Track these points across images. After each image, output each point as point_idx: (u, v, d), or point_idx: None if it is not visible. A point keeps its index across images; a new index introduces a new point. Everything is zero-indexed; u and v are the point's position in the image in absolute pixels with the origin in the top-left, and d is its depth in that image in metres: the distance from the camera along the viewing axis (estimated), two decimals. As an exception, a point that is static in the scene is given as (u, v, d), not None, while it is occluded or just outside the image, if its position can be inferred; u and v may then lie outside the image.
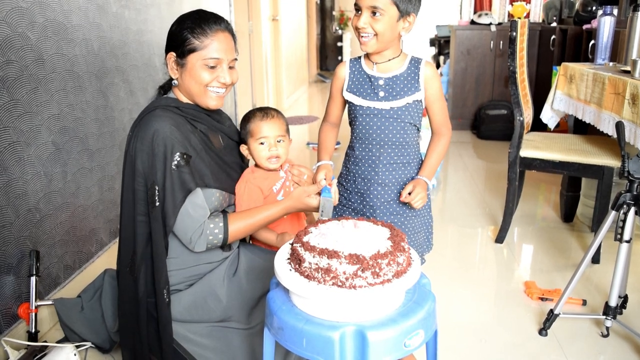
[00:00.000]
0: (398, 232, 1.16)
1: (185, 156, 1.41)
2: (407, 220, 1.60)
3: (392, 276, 1.06)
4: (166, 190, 1.39)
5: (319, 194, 1.48)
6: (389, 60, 1.54)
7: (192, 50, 1.43)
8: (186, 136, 1.44)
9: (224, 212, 1.52)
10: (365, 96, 1.55)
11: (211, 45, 1.43)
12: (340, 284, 1.04)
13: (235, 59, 1.51)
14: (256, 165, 1.64)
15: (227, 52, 1.46)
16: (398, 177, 1.58)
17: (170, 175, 1.39)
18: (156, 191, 1.39)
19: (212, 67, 1.45)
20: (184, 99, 1.52)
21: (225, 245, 1.51)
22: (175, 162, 1.39)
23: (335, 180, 1.54)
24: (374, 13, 1.43)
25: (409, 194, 1.52)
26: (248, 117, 1.62)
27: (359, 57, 1.60)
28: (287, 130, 1.64)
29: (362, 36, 1.47)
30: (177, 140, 1.40)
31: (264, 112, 1.61)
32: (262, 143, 1.58)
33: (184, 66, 1.45)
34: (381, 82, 1.53)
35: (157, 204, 1.40)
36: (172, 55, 1.47)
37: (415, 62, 1.55)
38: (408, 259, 1.12)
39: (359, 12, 1.46)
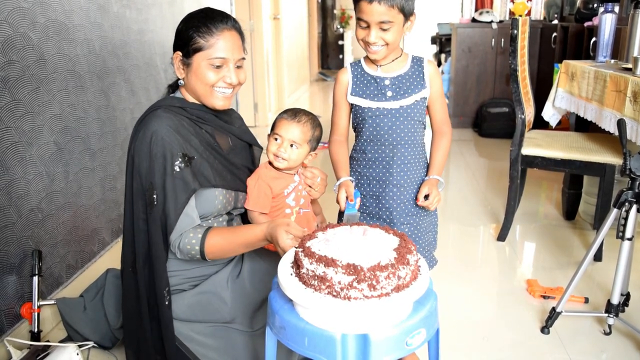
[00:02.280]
0: (407, 242, 1.11)
1: (186, 157, 1.39)
2: (421, 219, 1.60)
3: (392, 290, 1.02)
4: (167, 191, 1.37)
5: (341, 214, 1.46)
6: (393, 60, 1.53)
7: (198, 50, 1.40)
8: (186, 138, 1.42)
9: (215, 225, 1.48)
10: (373, 97, 1.53)
11: (217, 45, 1.40)
12: (335, 294, 1.01)
13: (243, 58, 1.48)
14: (269, 162, 1.62)
15: (233, 51, 1.43)
16: (412, 176, 1.57)
17: (172, 177, 1.37)
18: (154, 192, 1.38)
19: (218, 67, 1.42)
20: (191, 99, 1.50)
21: (204, 259, 1.42)
22: (177, 164, 1.38)
23: (359, 198, 1.53)
24: (382, 26, 1.42)
25: (425, 197, 1.51)
26: (280, 113, 1.61)
27: (359, 61, 1.59)
28: (312, 141, 1.58)
29: (372, 47, 1.46)
30: (175, 142, 1.38)
31: (295, 113, 1.57)
32: (276, 139, 1.56)
33: (190, 66, 1.43)
34: (387, 82, 1.53)
35: (155, 204, 1.38)
36: (178, 54, 1.45)
37: (418, 61, 1.56)
38: (413, 273, 1.07)
39: (365, 27, 1.44)
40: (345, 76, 1.58)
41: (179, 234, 1.39)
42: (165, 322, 1.45)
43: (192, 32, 1.41)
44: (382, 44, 1.45)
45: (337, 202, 1.52)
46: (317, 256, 1.04)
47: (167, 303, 1.44)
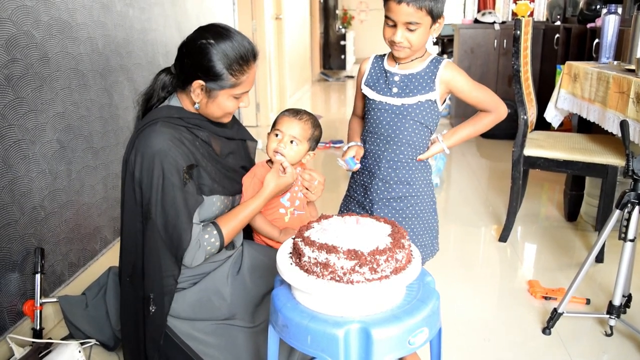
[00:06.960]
0: (399, 229, 1.17)
1: (190, 170, 1.42)
2: (409, 219, 1.60)
3: (390, 272, 1.07)
4: (168, 207, 1.39)
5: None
6: (412, 60, 1.54)
7: (226, 87, 1.42)
8: (186, 150, 1.43)
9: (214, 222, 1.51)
10: (379, 90, 1.56)
11: (245, 82, 1.45)
12: (338, 278, 1.05)
13: None
14: (268, 161, 1.64)
15: (253, 81, 1.49)
16: (400, 175, 1.57)
17: (182, 192, 1.40)
18: (152, 207, 1.39)
19: (238, 97, 1.47)
20: (189, 107, 1.50)
21: (221, 249, 1.51)
22: (180, 181, 1.39)
23: (358, 165, 1.59)
24: (409, 26, 1.43)
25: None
26: (282, 111, 1.65)
27: (385, 54, 1.61)
28: (311, 140, 1.63)
29: (397, 46, 1.48)
30: (180, 158, 1.40)
31: (297, 111, 1.63)
32: (276, 135, 1.60)
33: (213, 97, 1.44)
34: (396, 78, 1.54)
35: (152, 217, 1.40)
36: (201, 84, 1.42)
37: (436, 62, 1.54)
38: (408, 256, 1.12)
39: (392, 25, 1.46)
40: (365, 65, 1.64)
41: (195, 242, 1.43)
42: (151, 326, 1.47)
43: (224, 70, 1.40)
44: (407, 45, 1.46)
45: (342, 157, 1.58)
46: (317, 244, 1.07)
47: (152, 310, 1.46)
